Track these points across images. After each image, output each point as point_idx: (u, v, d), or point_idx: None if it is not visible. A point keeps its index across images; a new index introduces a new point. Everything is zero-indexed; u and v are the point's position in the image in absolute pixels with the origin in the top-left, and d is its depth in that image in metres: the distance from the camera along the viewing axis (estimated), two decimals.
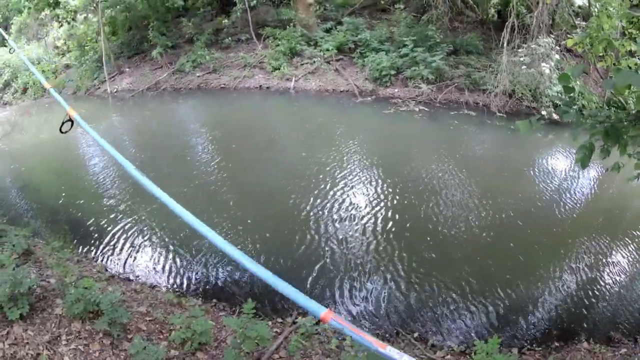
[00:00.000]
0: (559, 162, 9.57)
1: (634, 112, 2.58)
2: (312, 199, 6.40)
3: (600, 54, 4.69)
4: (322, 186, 6.84)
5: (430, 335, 4.14)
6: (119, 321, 3.07)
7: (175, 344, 3.15)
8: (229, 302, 4.34)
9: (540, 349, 4.04)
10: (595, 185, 8.38)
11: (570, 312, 4.61)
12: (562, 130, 11.19)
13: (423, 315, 4.37)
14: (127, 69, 16.47)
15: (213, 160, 8.19)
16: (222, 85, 13.24)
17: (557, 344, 4.12)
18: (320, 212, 6.08)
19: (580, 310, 4.66)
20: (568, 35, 14.18)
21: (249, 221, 5.75)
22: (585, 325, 4.43)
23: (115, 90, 15.93)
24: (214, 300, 4.35)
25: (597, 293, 4.94)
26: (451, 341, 4.10)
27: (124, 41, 17.23)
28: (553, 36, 12.96)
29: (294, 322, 3.96)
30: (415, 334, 4.11)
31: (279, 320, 4.12)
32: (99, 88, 16.36)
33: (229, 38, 13.93)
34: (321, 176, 7.18)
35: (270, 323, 3.92)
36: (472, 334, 4.19)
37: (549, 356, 3.83)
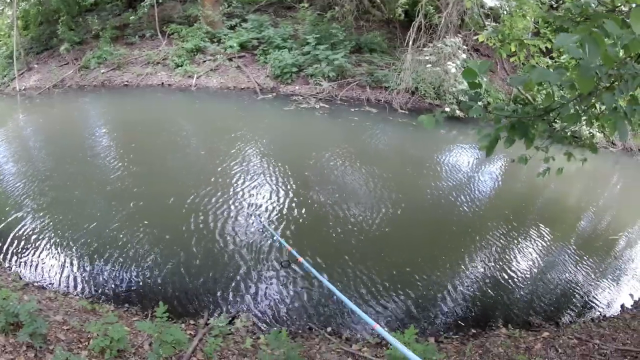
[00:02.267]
0: (463, 156, 9.85)
1: (541, 107, 2.60)
2: (210, 197, 6.25)
3: (513, 51, 4.76)
4: (221, 184, 6.69)
5: (343, 329, 4.10)
6: (39, 332, 2.95)
7: (95, 353, 3.06)
8: (140, 306, 4.23)
9: (458, 336, 4.07)
10: (499, 178, 8.67)
11: (485, 300, 4.70)
12: (465, 127, 11.49)
13: (334, 310, 4.33)
14: (36, 66, 15.68)
15: (112, 160, 7.82)
16: (125, 83, 12.81)
17: (474, 330, 4.18)
18: (220, 212, 5.94)
19: (495, 298, 4.76)
20: (476, 35, 14.59)
21: (145, 222, 5.57)
22: (501, 312, 4.52)
23: (23, 87, 15.12)
24: (126, 305, 4.24)
25: (510, 281, 5.08)
26: (365, 334, 4.08)
27: (34, 36, 16.39)
28: (461, 36, 13.26)
29: (206, 324, 3.93)
30: (329, 329, 4.07)
31: (191, 322, 4.04)
32: (9, 86, 15.53)
33: (135, 34, 13.50)
34: (220, 174, 7.03)
35: (183, 325, 3.86)
36: (386, 326, 4.18)
37: (467, 343, 3.85)
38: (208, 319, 4.03)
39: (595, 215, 7.65)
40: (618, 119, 2.21)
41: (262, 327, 4.05)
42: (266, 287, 4.59)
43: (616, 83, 2.29)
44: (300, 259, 3.71)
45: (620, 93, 2.17)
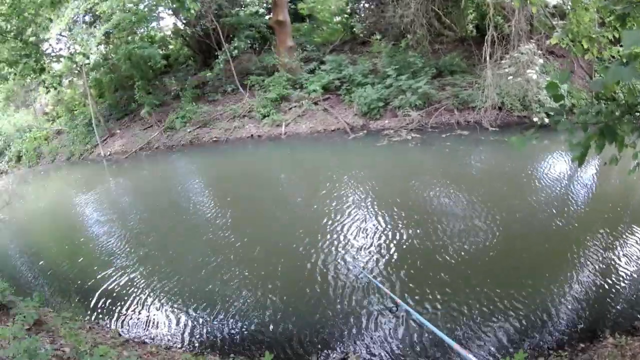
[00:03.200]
0: (557, 165, 9.58)
1: (623, 102, 2.58)
2: (311, 243, 6.25)
3: (586, 48, 4.65)
4: (321, 229, 6.69)
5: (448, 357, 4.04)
6: None
7: None
8: (245, 355, 4.26)
9: (567, 353, 3.92)
10: (597, 182, 8.38)
11: (589, 311, 4.53)
12: (556, 134, 11.09)
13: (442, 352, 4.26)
14: (118, 131, 16.60)
15: (208, 214, 8.07)
16: (214, 139, 13.30)
17: (582, 345, 4.02)
18: (322, 257, 5.92)
19: (599, 306, 4.58)
20: (548, 38, 14.27)
21: (246, 271, 5.68)
22: (606, 321, 4.34)
23: (108, 153, 16.05)
24: (232, 356, 4.26)
25: (611, 287, 4.85)
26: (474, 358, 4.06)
27: (111, 103, 17.38)
28: (534, 41, 13.01)
29: None
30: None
31: None
32: (92, 152, 16.50)
33: (216, 91, 14.03)
34: (318, 219, 7.01)
35: None
36: (494, 352, 4.11)
37: (576, 358, 3.75)
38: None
39: None
40: None
41: None
42: (371, 329, 4.48)
43: None
44: (399, 301, 3.57)
45: None
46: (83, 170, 15.34)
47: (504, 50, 12.74)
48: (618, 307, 4.56)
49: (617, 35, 4.54)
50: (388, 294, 4.14)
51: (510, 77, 12.27)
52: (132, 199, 11.03)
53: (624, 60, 3.07)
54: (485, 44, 12.40)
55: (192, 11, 12.97)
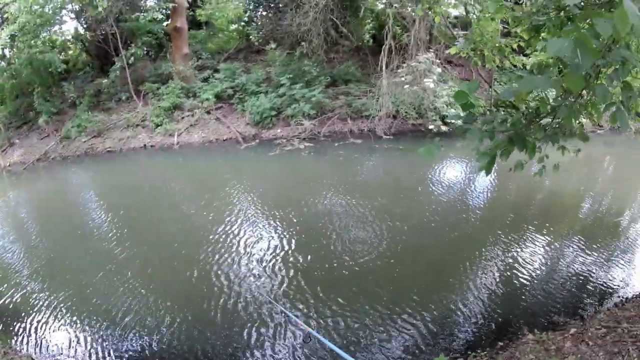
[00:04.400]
0: (454, 171, 9.90)
1: (531, 110, 2.60)
2: (208, 258, 6.10)
3: (492, 58, 4.84)
4: (216, 242, 6.57)
5: None
6: None
7: None
8: None
9: (486, 352, 3.94)
10: (492, 185, 8.63)
11: (505, 310, 4.60)
12: (452, 141, 11.51)
13: (354, 347, 4.23)
14: (17, 140, 15.65)
15: (104, 230, 7.71)
16: (108, 149, 12.79)
17: (501, 343, 4.07)
18: (228, 265, 5.84)
19: (514, 305, 4.67)
20: (447, 47, 14.71)
21: (148, 289, 5.45)
22: (523, 318, 4.43)
23: (8, 164, 15.09)
24: None
25: (525, 285, 5.00)
26: None
27: (11, 111, 16.35)
28: (432, 50, 13.34)
29: None
30: None
31: None
32: None
33: (111, 99, 13.52)
34: (213, 232, 6.87)
35: None
36: (409, 354, 4.10)
37: (497, 357, 3.74)
38: None
39: (595, 201, 7.70)
40: (617, 111, 2.16)
41: None
42: (288, 337, 4.46)
43: (603, 70, 2.29)
44: (309, 329, 3.59)
45: (611, 81, 2.16)
46: None
47: (401, 59, 13.01)
48: (532, 304, 4.68)
49: (522, 45, 4.66)
50: (299, 323, 4.00)
51: (407, 85, 12.52)
52: (31, 213, 10.43)
53: (533, 70, 3.04)
54: (382, 53, 12.61)
55: (100, 8, 12.44)
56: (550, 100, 2.56)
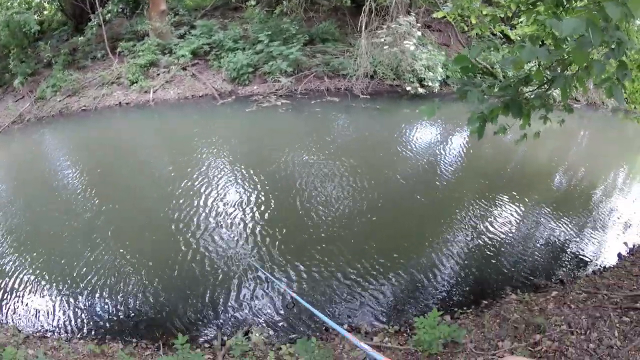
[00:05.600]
0: (431, 132, 9.98)
1: (536, 82, 2.70)
2: (187, 212, 6.13)
3: (479, 25, 4.96)
4: (194, 197, 6.54)
5: (360, 324, 4.03)
6: None
7: None
8: (149, 339, 4.07)
9: (472, 309, 4.08)
10: (469, 148, 8.68)
11: (488, 271, 4.73)
12: (428, 103, 11.54)
13: (344, 307, 4.28)
14: None
15: (82, 192, 7.57)
16: (83, 107, 12.58)
17: (485, 302, 4.20)
18: (206, 225, 5.83)
19: (497, 266, 4.80)
20: (428, 12, 14.66)
21: (129, 250, 5.45)
22: (506, 280, 4.57)
23: None
24: (134, 340, 4.07)
25: (507, 248, 5.14)
26: (382, 324, 4.03)
27: None
28: (413, 14, 13.28)
29: (222, 345, 3.81)
30: (345, 326, 4.00)
31: (207, 346, 3.91)
32: None
33: (86, 57, 13.28)
34: (191, 189, 6.84)
35: (198, 350, 3.70)
36: (397, 312, 4.18)
37: (483, 315, 3.85)
38: (223, 340, 3.90)
39: (573, 171, 7.84)
40: (613, 86, 2.34)
41: (279, 337, 3.97)
42: (270, 299, 4.48)
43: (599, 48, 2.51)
44: (293, 295, 3.70)
45: (608, 59, 2.31)
46: None
47: (381, 21, 12.92)
48: (515, 267, 4.82)
49: (509, 15, 4.81)
50: (283, 288, 4.04)
51: (386, 47, 12.49)
52: (3, 178, 10.30)
53: (524, 40, 3.14)
54: (363, 14, 12.53)
55: None
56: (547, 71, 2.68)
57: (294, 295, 3.39)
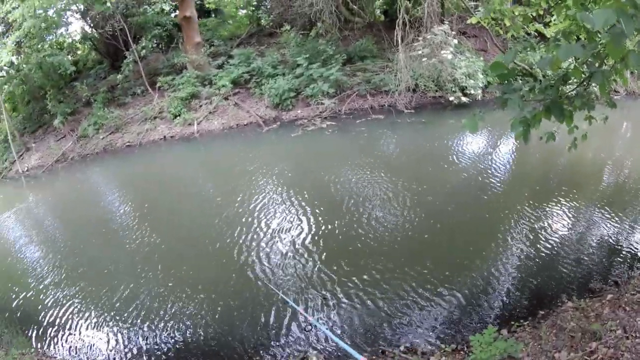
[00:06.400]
0: (478, 142, 9.70)
1: (575, 82, 2.63)
2: (242, 242, 6.05)
3: (514, 27, 4.85)
4: (247, 226, 6.46)
5: (417, 344, 3.92)
6: None
7: None
8: None
9: (528, 321, 3.95)
10: (515, 155, 8.53)
11: (542, 279, 4.57)
12: (470, 115, 11.31)
13: (399, 327, 4.17)
14: (33, 144, 15.61)
15: (129, 227, 7.60)
16: (127, 144, 12.68)
17: (542, 312, 4.06)
18: (258, 251, 5.76)
19: (551, 274, 4.63)
20: (461, 18, 14.49)
21: (197, 280, 5.41)
22: (562, 286, 4.42)
23: (26, 169, 15.05)
24: None
25: (559, 254, 4.95)
26: (439, 342, 3.92)
27: (25, 115, 16.36)
28: (447, 23, 13.13)
29: None
30: (402, 347, 3.89)
31: None
32: (11, 170, 15.47)
33: (126, 94, 13.41)
34: (241, 220, 6.75)
35: None
36: (453, 330, 4.05)
37: (540, 326, 3.74)
38: None
39: (620, 166, 7.62)
40: None
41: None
42: (326, 318, 4.39)
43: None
44: (310, 319, 3.65)
45: None
46: (3, 189, 14.32)
47: (416, 32, 12.78)
48: (569, 272, 4.64)
49: (541, 13, 4.79)
50: (302, 313, 4.04)
51: (424, 58, 12.32)
52: (52, 215, 10.33)
53: (558, 37, 3.09)
54: (397, 27, 12.40)
55: (108, 3, 12.30)
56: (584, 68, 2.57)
57: (310, 319, 3.43)
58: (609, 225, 5.45)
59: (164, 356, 4.30)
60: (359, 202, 6.77)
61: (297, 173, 8.90)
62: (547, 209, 6.00)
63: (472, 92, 11.96)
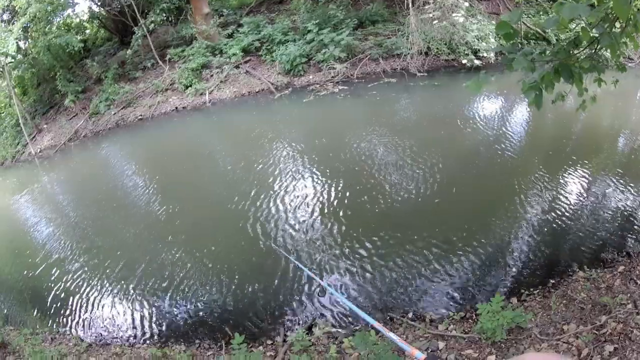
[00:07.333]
0: (491, 105, 9.53)
1: (584, 43, 2.55)
2: (254, 212, 6.00)
3: None
4: (271, 189, 6.47)
5: (425, 312, 3.86)
6: None
7: None
8: (211, 340, 4.07)
9: (539, 290, 3.86)
10: (529, 119, 8.28)
11: (554, 248, 4.46)
12: (486, 75, 11.11)
13: (408, 293, 4.11)
14: (45, 126, 15.69)
15: (145, 198, 7.64)
16: (139, 117, 12.66)
17: (552, 281, 3.97)
18: (277, 213, 5.78)
19: (562, 243, 4.52)
20: None
21: (192, 251, 5.39)
22: (573, 256, 4.30)
23: (39, 150, 15.12)
24: (197, 342, 4.07)
25: (572, 222, 4.80)
26: (447, 310, 3.85)
27: (35, 98, 16.44)
28: None
29: (284, 341, 3.76)
30: (410, 314, 3.84)
31: (269, 342, 3.85)
32: (24, 153, 15.57)
33: (136, 68, 13.37)
34: (257, 185, 6.74)
35: (261, 348, 3.72)
36: (462, 298, 3.98)
37: (550, 295, 3.67)
38: (285, 336, 3.82)
39: (636, 134, 7.26)
40: None
41: (342, 330, 3.83)
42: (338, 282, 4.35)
43: None
44: (323, 284, 3.65)
45: None
46: (17, 172, 14.42)
47: None
48: (580, 241, 4.50)
49: None
50: (316, 279, 4.03)
51: (436, 21, 12.12)
52: (66, 193, 10.37)
53: None
54: None
55: None
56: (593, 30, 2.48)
57: (324, 284, 3.46)
58: (622, 194, 5.22)
59: (175, 329, 4.30)
60: (374, 166, 6.68)
61: (310, 137, 8.81)
62: (563, 175, 5.81)
63: (485, 54, 11.74)
